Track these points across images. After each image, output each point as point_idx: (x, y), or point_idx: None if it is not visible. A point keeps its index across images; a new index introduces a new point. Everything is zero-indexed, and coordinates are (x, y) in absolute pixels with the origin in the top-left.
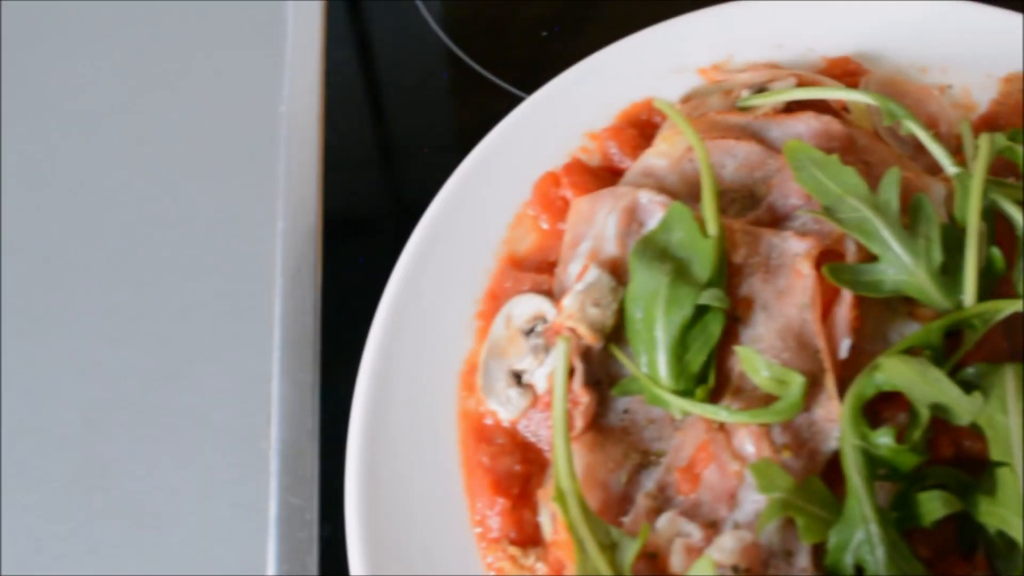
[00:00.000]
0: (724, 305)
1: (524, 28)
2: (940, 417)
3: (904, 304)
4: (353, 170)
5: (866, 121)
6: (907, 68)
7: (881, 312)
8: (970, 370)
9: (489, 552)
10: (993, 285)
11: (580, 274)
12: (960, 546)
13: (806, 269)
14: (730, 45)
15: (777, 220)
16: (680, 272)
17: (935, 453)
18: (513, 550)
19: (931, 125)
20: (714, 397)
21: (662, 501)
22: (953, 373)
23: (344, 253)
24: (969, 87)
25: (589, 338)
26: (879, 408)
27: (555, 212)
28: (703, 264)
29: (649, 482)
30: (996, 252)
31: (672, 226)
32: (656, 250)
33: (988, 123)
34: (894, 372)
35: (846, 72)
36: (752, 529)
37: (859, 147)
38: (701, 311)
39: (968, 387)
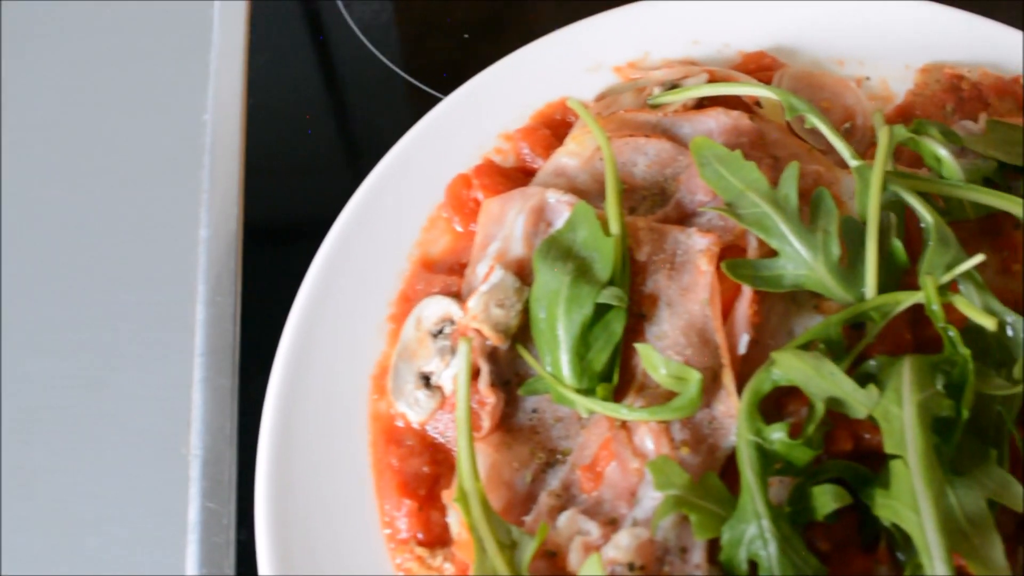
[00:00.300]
0: (623, 303)
1: (447, 30)
2: (837, 411)
3: (810, 298)
4: (275, 177)
5: (778, 116)
6: (824, 61)
7: (786, 306)
8: (871, 363)
9: (398, 553)
10: (899, 277)
11: (486, 275)
12: (861, 539)
13: (704, 265)
14: (646, 43)
15: (685, 217)
16: (582, 271)
17: (834, 446)
18: (421, 551)
19: (848, 117)
20: (619, 395)
21: (566, 499)
22: (856, 366)
23: (265, 260)
24: (886, 78)
25: (494, 339)
26: (783, 402)
27: (467, 214)
28: (604, 263)
29: (554, 480)
30: (898, 244)
31: (577, 225)
32: (560, 250)
33: (904, 114)
34: (789, 367)
35: (761, 67)
36: (650, 526)
37: (769, 141)
38: (604, 310)
39: (868, 380)
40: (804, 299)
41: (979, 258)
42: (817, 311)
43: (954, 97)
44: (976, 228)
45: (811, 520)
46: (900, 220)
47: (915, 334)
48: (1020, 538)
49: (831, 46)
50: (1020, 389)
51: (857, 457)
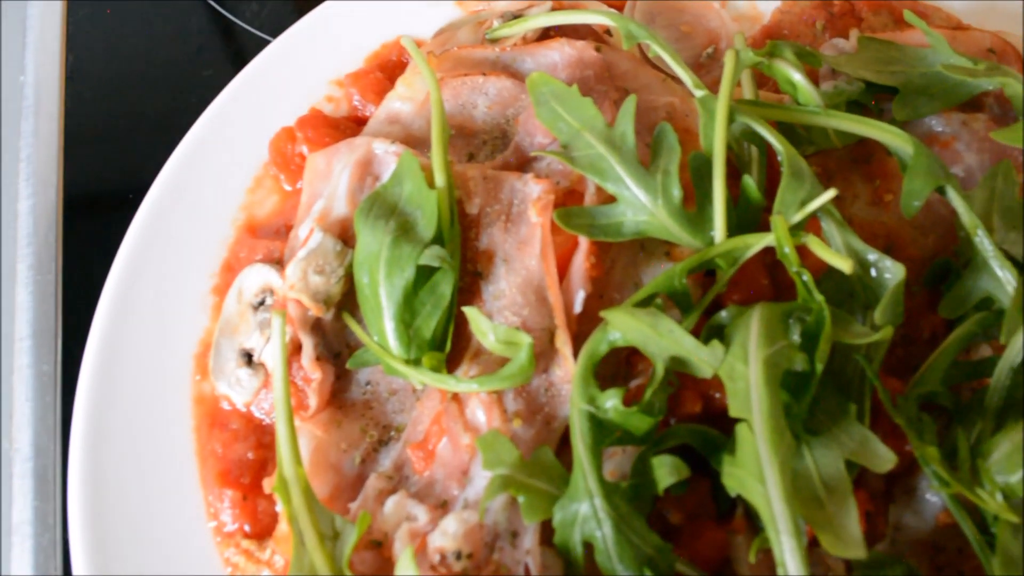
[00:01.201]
0: (449, 264)
1: None
2: (682, 371)
3: (660, 244)
4: (96, 143)
5: (631, 44)
6: None
7: (632, 255)
8: (723, 313)
9: (224, 547)
10: (757, 217)
11: (305, 239)
12: (717, 508)
13: (535, 216)
14: None
15: (525, 161)
16: (404, 230)
17: (681, 409)
18: (248, 544)
19: (711, 41)
20: (453, 363)
21: (398, 481)
22: (709, 316)
23: (86, 233)
24: None
25: (314, 309)
26: (634, 361)
27: (294, 171)
28: (428, 219)
29: (386, 461)
30: (748, 181)
31: (402, 179)
32: (385, 207)
33: (771, 34)
34: (625, 327)
35: None
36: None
37: (619, 73)
38: (431, 271)
39: (720, 333)
40: (653, 246)
41: (831, 193)
42: (669, 258)
43: (825, 13)
44: (846, 156)
45: (655, 493)
46: (762, 153)
47: (775, 278)
48: (890, 495)
49: None
50: (882, 336)
51: (709, 419)
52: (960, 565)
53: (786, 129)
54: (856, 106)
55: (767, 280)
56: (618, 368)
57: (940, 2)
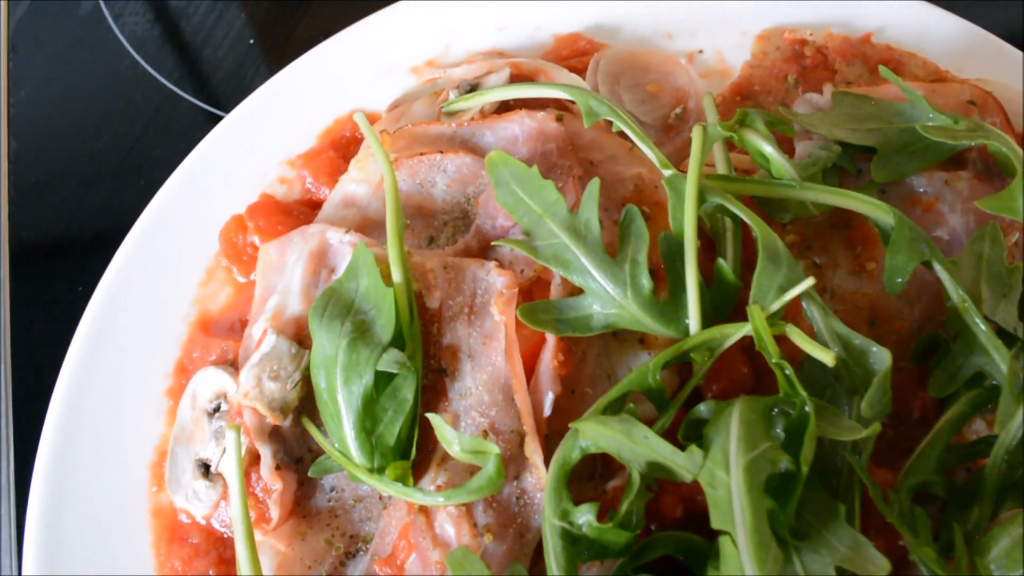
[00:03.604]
0: (405, 369)
1: (228, 38)
2: (660, 477)
3: (635, 333)
4: (44, 195)
5: (592, 121)
6: (651, 36)
7: (605, 346)
8: (702, 407)
9: None
10: (735, 299)
11: (259, 341)
12: None
13: (497, 314)
14: (446, 35)
15: (488, 244)
16: (361, 331)
17: (661, 515)
18: None
19: (679, 100)
20: (420, 470)
21: None
22: (688, 409)
23: (35, 330)
24: (722, 50)
25: (270, 417)
26: (609, 460)
27: (246, 262)
28: (386, 319)
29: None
30: (722, 264)
31: (358, 273)
32: (341, 304)
33: (741, 91)
34: (597, 436)
35: (576, 52)
36: None
37: (582, 143)
38: (392, 374)
39: (698, 428)
40: (626, 335)
41: (809, 282)
42: (643, 346)
43: (796, 67)
44: (825, 222)
45: None
46: (736, 225)
47: (756, 365)
48: None
49: (657, 17)
50: (870, 432)
51: (692, 521)
52: None
53: (764, 199)
54: (834, 168)
55: (747, 368)
56: (595, 468)
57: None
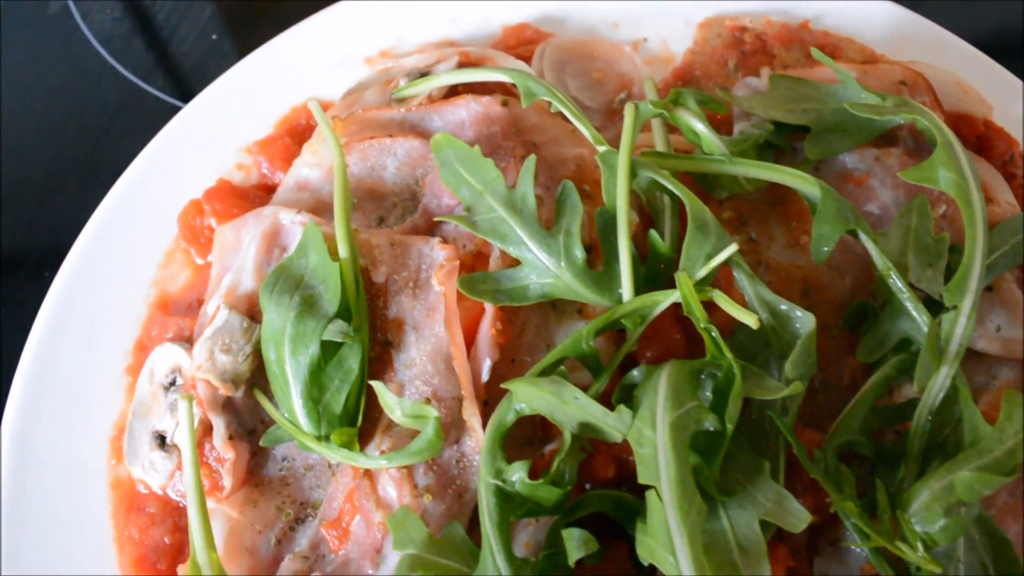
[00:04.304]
0: (349, 338)
1: (193, 34)
2: (592, 438)
3: (574, 304)
4: (13, 186)
5: (531, 101)
6: (597, 26)
7: (545, 316)
8: (635, 372)
9: None
10: (671, 269)
11: (212, 317)
12: (641, 572)
13: (437, 285)
14: (399, 26)
15: (434, 224)
16: (308, 304)
17: (594, 475)
18: None
19: (624, 86)
20: (367, 437)
21: (314, 561)
22: (623, 376)
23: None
24: (666, 39)
25: (222, 388)
26: (548, 424)
27: (204, 244)
28: (332, 292)
29: (303, 539)
30: (654, 236)
31: (307, 250)
32: (291, 280)
33: (683, 76)
34: (529, 397)
35: (522, 41)
36: None
37: (526, 127)
38: (338, 345)
39: (631, 393)
40: (565, 305)
41: (732, 248)
42: (581, 317)
43: (736, 52)
44: (761, 199)
45: (563, 565)
46: (675, 202)
47: (689, 333)
48: (814, 548)
49: (603, 8)
50: (793, 391)
51: (625, 481)
52: None
53: (700, 176)
54: (769, 147)
55: (680, 335)
56: (534, 432)
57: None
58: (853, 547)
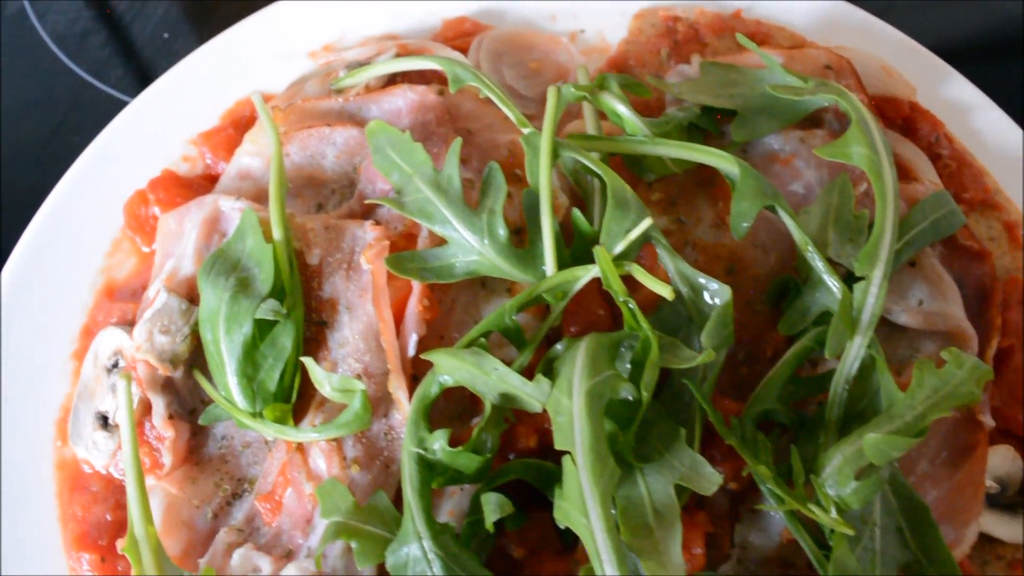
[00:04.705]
0: (280, 316)
1: (145, 33)
2: (513, 408)
3: (503, 282)
4: None
5: (458, 86)
6: (535, 18)
7: (474, 295)
8: (558, 346)
9: None
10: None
11: (152, 299)
12: (563, 538)
13: (365, 263)
14: (343, 21)
15: (370, 209)
16: (243, 285)
17: (517, 445)
18: None
19: (561, 76)
20: (301, 414)
21: (248, 534)
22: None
23: None
24: (602, 29)
25: (161, 368)
26: (477, 398)
27: (149, 233)
28: (266, 273)
29: (239, 514)
30: (577, 214)
31: (245, 234)
32: (228, 263)
33: (617, 65)
34: (450, 368)
35: (460, 33)
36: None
37: (461, 114)
38: (272, 324)
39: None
40: (495, 284)
41: (646, 222)
42: (510, 295)
43: (669, 41)
44: (689, 181)
45: (485, 530)
46: (604, 190)
47: (614, 309)
48: (735, 515)
49: (541, 1)
50: (705, 358)
51: (548, 452)
52: None
53: (629, 160)
54: (698, 131)
55: (605, 311)
56: (464, 406)
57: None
58: (772, 513)
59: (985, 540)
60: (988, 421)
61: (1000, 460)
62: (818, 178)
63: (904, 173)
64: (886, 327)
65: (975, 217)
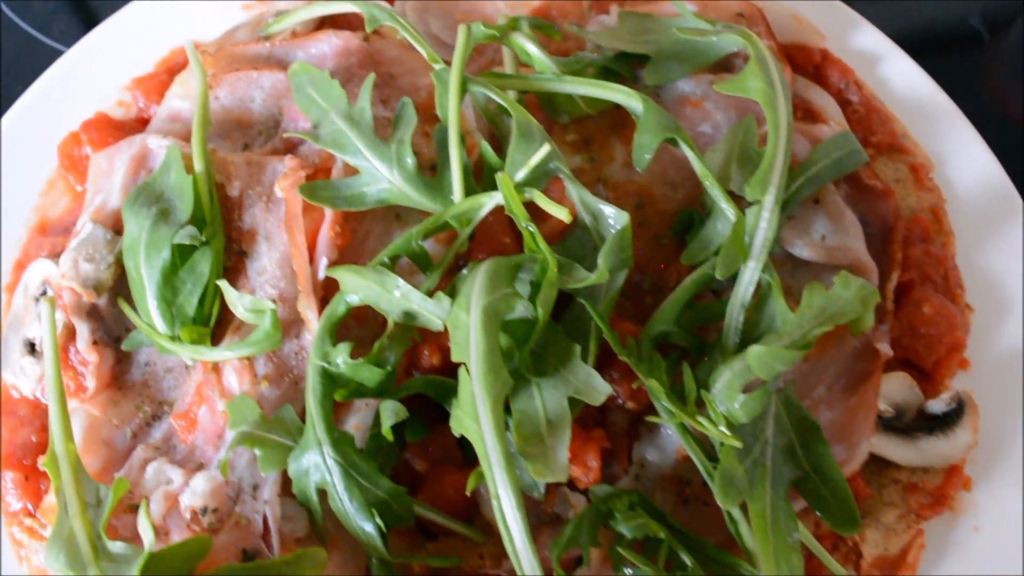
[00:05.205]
0: (197, 241)
1: None
2: (418, 326)
3: (417, 213)
4: None
5: (373, 26)
6: None
7: (387, 225)
8: (464, 270)
9: (9, 525)
10: None
11: (79, 231)
12: (466, 454)
13: (279, 191)
14: None
15: (292, 147)
16: (164, 215)
17: (421, 362)
18: (31, 522)
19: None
20: (220, 339)
21: (165, 451)
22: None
23: None
24: None
25: (85, 295)
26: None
27: (83, 172)
28: (185, 203)
29: (157, 433)
30: (485, 147)
31: (168, 168)
32: (151, 196)
33: (540, 15)
34: (355, 286)
35: None
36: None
37: (385, 59)
38: (191, 252)
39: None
40: (408, 215)
41: (545, 149)
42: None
43: None
44: (605, 123)
45: (390, 441)
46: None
47: (520, 237)
48: (635, 435)
49: None
50: (599, 279)
51: (452, 371)
52: (705, 496)
53: (545, 101)
54: (614, 75)
55: (511, 239)
56: (376, 332)
57: None
58: (668, 432)
59: (883, 464)
60: (885, 349)
61: (897, 387)
62: (726, 119)
63: (813, 117)
64: (791, 263)
65: (883, 160)
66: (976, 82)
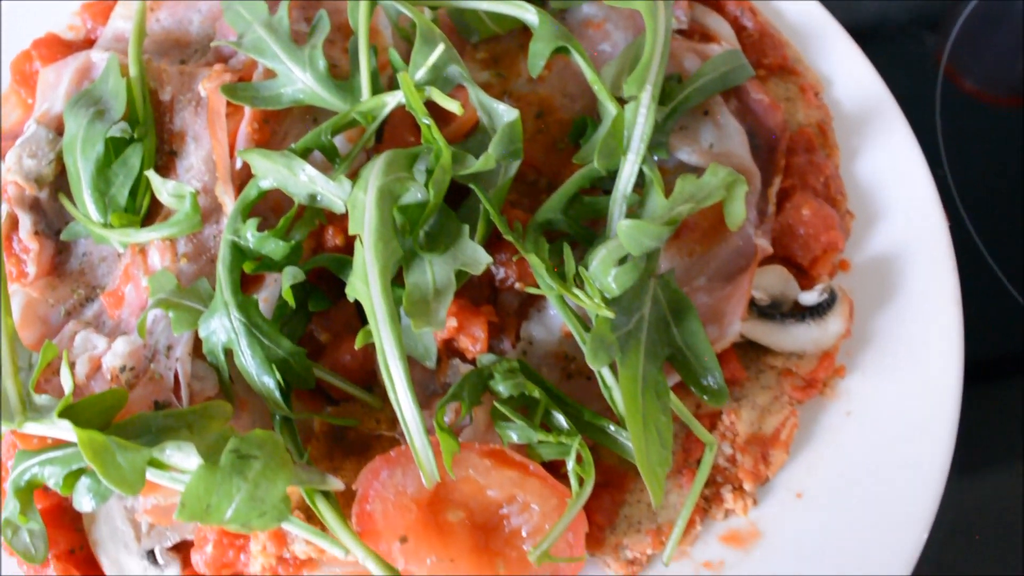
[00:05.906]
0: (127, 134)
1: None
2: (323, 209)
3: (332, 116)
4: None
5: None
6: None
7: (305, 127)
8: (368, 164)
9: None
10: None
11: (24, 131)
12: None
13: (202, 91)
14: None
15: (223, 60)
16: (99, 114)
17: (325, 244)
18: None
19: None
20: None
21: (96, 326)
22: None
23: None
24: None
25: (28, 188)
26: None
27: (34, 86)
28: (120, 103)
29: (89, 312)
30: (392, 52)
31: (107, 76)
32: (91, 99)
33: None
34: (264, 169)
35: None
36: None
37: None
38: (124, 148)
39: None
40: (324, 118)
41: (439, 50)
42: None
43: None
44: (514, 43)
45: (291, 312)
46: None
47: (417, 135)
48: (522, 314)
49: None
50: (483, 165)
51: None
52: (588, 371)
53: (457, 21)
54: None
55: (415, 137)
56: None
57: None
58: (553, 312)
59: (761, 351)
60: (764, 246)
61: (776, 279)
62: (624, 38)
63: (708, 39)
64: (683, 170)
65: (775, 81)
66: (930, 64)
